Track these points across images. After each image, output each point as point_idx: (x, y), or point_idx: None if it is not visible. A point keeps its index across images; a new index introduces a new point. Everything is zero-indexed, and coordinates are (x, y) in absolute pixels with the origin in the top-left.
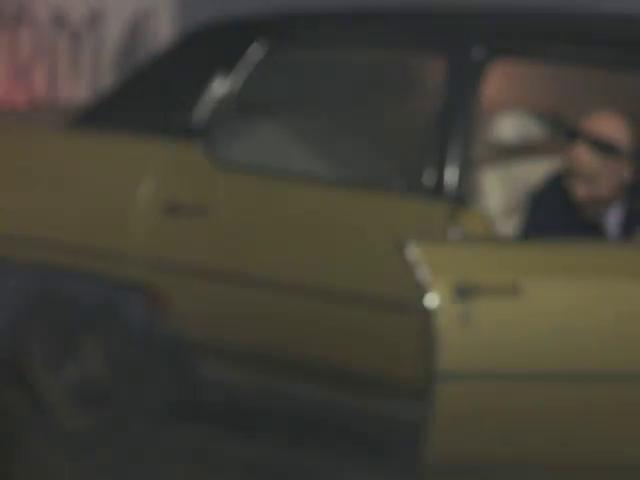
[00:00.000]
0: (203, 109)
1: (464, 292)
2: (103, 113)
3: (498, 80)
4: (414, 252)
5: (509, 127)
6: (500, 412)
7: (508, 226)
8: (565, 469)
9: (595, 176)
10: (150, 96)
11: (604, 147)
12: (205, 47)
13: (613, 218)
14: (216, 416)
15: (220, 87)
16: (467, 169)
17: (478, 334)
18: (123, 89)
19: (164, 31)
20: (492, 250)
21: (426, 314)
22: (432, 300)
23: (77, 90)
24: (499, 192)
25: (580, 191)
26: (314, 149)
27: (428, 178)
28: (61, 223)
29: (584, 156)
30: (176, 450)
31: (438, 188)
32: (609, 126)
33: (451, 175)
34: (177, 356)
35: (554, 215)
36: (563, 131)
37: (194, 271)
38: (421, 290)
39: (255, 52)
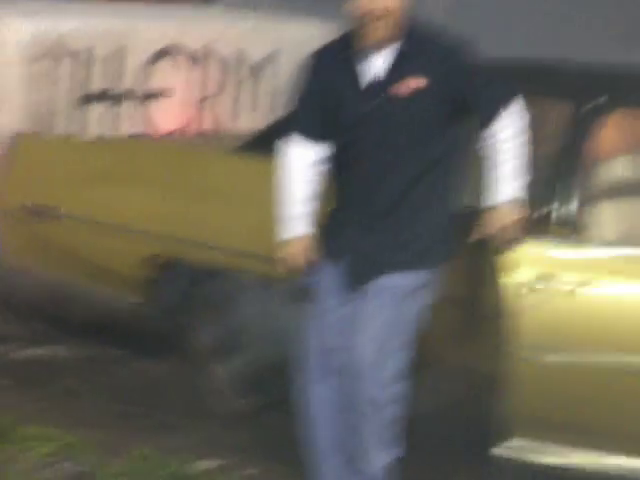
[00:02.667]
0: None
1: (545, 280)
2: (269, 139)
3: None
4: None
5: (626, 168)
6: (570, 379)
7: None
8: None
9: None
10: None
11: None
12: None
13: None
14: None
15: None
16: (588, 203)
17: (554, 316)
18: (288, 119)
19: None
20: (572, 251)
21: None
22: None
23: (256, 119)
24: (611, 225)
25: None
26: None
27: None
28: (237, 231)
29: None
30: None
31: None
32: None
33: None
34: None
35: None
36: None
37: None
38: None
39: None
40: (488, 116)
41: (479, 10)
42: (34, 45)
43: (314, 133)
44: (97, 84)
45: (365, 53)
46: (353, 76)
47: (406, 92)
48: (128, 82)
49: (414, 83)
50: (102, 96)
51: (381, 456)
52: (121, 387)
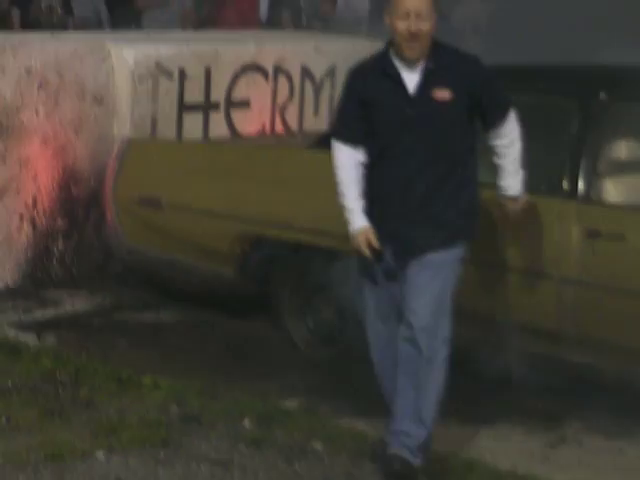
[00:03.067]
0: None
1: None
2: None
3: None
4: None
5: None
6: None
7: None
8: None
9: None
10: None
11: None
12: None
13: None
14: None
15: None
16: (594, 179)
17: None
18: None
19: None
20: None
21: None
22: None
23: (318, 124)
24: (616, 195)
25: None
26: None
27: (565, 184)
28: (302, 214)
29: None
30: None
31: (572, 192)
32: None
33: (582, 183)
34: None
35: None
36: None
37: None
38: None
39: None
40: (497, 119)
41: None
42: (137, 68)
43: (358, 138)
44: (189, 98)
45: (403, 67)
46: (395, 86)
47: (441, 99)
48: (214, 95)
49: (446, 93)
50: (194, 107)
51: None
52: (217, 343)
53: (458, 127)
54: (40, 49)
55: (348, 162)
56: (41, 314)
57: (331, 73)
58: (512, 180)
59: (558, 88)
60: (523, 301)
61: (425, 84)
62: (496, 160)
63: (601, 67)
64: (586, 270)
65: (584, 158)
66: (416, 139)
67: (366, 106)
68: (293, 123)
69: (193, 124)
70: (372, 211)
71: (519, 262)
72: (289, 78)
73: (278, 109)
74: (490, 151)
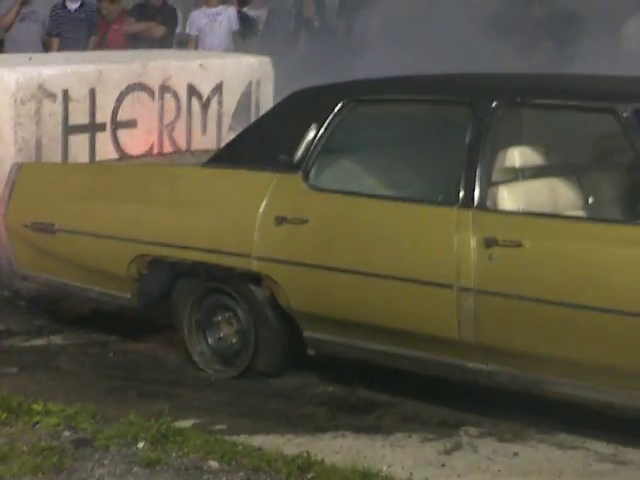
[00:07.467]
0: (301, 150)
1: (490, 243)
2: (228, 155)
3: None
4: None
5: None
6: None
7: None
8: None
9: None
10: (261, 142)
11: None
12: (302, 106)
13: None
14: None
15: (313, 134)
16: (490, 188)
17: (498, 268)
18: (242, 138)
19: (267, 96)
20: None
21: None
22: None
23: (206, 142)
24: (512, 203)
25: None
26: (381, 176)
27: (460, 193)
28: (201, 232)
29: None
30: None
31: (468, 200)
32: None
33: (477, 191)
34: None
35: None
36: None
37: (297, 264)
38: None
39: (339, 108)
40: None
41: None
42: (20, 91)
43: None
44: (74, 120)
45: None
46: None
47: None
48: (100, 116)
49: None
50: (79, 129)
51: None
52: (109, 366)
53: None
54: None
55: None
56: None
57: (218, 90)
58: None
59: (450, 98)
60: (423, 311)
61: None
62: None
63: (492, 76)
64: (484, 279)
65: (479, 167)
66: None
67: None
68: (181, 142)
69: (79, 146)
70: None
71: (419, 273)
72: (175, 96)
73: (165, 128)
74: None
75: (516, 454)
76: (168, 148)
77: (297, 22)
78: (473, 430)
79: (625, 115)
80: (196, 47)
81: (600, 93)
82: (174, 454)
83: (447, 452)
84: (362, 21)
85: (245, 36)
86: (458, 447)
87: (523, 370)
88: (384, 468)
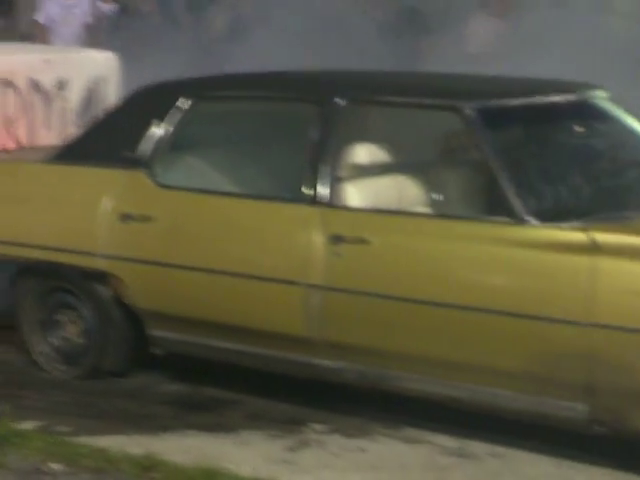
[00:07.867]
0: (145, 147)
1: (336, 240)
2: (72, 151)
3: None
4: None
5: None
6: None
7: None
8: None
9: None
10: (105, 139)
11: None
12: (145, 102)
13: None
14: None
15: (157, 131)
16: (335, 184)
17: (345, 265)
18: (86, 134)
19: (112, 92)
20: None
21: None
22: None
23: (50, 138)
24: (358, 200)
25: None
26: (227, 173)
27: (307, 191)
28: (44, 230)
29: None
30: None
31: (314, 197)
32: None
33: (323, 188)
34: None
35: None
36: None
37: (143, 261)
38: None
39: (182, 105)
40: None
41: None
42: None
43: None
44: None
45: None
46: None
47: None
48: None
49: None
50: None
51: None
52: None
53: None
54: None
55: None
56: None
57: (62, 86)
58: None
59: (295, 95)
60: (271, 309)
61: None
62: None
63: (336, 73)
64: (331, 275)
65: (325, 164)
66: None
67: None
68: (23, 137)
69: None
70: None
71: (266, 270)
72: (17, 91)
73: (6, 123)
74: None
75: (363, 450)
76: (10, 144)
77: (146, 17)
78: (320, 427)
79: (468, 113)
80: (45, 38)
81: (444, 91)
82: (13, 457)
83: (294, 449)
84: (211, 17)
85: (98, 30)
86: (305, 444)
87: (369, 366)
88: (229, 466)
